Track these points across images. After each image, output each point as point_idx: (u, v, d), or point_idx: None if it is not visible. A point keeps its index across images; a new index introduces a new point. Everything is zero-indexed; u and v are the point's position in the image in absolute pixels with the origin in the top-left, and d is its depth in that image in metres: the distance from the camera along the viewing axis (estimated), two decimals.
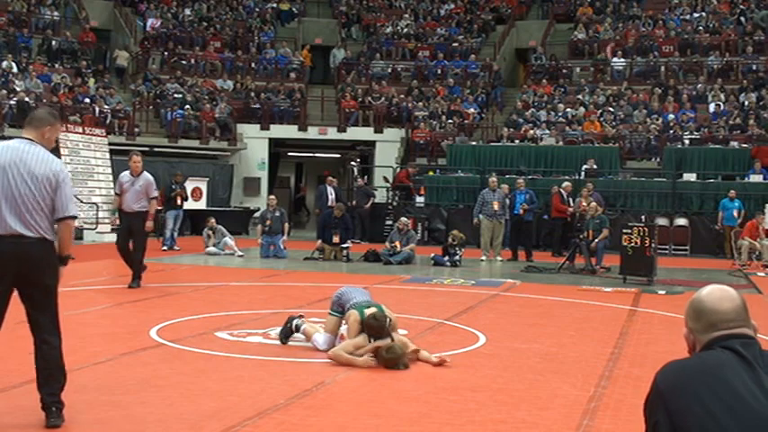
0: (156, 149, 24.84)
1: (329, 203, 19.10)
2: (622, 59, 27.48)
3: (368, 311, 6.62)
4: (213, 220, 17.08)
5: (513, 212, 17.09)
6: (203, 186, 22.47)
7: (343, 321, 6.87)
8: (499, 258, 16.71)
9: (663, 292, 11.85)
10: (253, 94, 27.42)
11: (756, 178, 20.16)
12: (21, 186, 4.58)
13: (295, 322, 7.26)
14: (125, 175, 11.06)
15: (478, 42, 30.00)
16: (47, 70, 25.54)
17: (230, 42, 29.65)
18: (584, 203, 16.16)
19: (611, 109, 25.11)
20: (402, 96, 27.30)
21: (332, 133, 26.87)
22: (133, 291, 10.48)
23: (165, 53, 28.49)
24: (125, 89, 27.46)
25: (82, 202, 18.37)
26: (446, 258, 15.57)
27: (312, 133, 26.99)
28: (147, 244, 11.22)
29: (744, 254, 16.56)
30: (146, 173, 11.04)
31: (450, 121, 25.70)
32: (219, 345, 7.13)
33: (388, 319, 6.59)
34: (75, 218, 4.77)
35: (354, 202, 21.23)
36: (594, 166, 21.31)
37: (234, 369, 6.26)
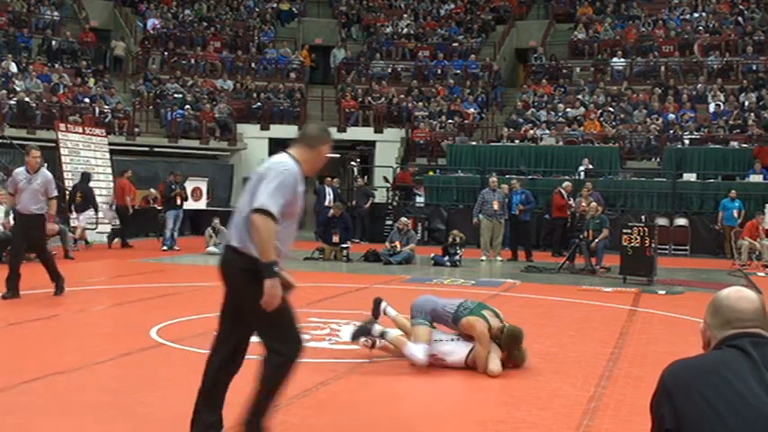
0: (156, 149, 24.86)
1: (327, 203, 19.10)
2: (622, 59, 27.48)
3: (488, 314, 6.40)
4: (217, 221, 17.09)
5: (510, 213, 17.10)
6: (203, 186, 22.45)
7: (459, 331, 6.48)
8: (499, 258, 16.71)
9: (663, 292, 11.85)
10: (254, 94, 27.43)
11: (756, 178, 20.15)
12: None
13: (378, 329, 6.71)
14: (20, 171, 9.70)
15: (478, 42, 29.98)
16: (47, 70, 25.54)
17: (230, 42, 29.65)
18: (584, 203, 16.16)
19: (611, 109, 25.11)
20: (402, 96, 27.28)
21: (332, 133, 26.80)
22: (133, 290, 10.49)
23: (165, 53, 28.49)
24: (125, 88, 27.46)
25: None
26: (446, 258, 15.57)
27: None
28: (47, 248, 10.06)
29: (744, 254, 16.56)
30: (44, 170, 9.79)
31: (450, 121, 25.70)
32: None
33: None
34: (262, 211, 4.17)
35: (354, 202, 21.23)
36: (590, 166, 21.29)
37: None
